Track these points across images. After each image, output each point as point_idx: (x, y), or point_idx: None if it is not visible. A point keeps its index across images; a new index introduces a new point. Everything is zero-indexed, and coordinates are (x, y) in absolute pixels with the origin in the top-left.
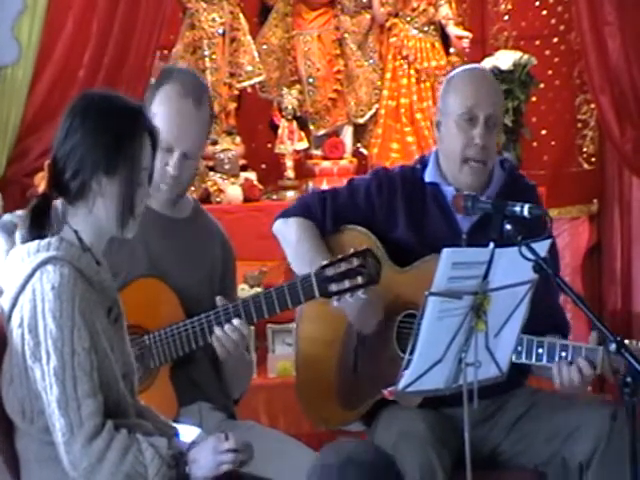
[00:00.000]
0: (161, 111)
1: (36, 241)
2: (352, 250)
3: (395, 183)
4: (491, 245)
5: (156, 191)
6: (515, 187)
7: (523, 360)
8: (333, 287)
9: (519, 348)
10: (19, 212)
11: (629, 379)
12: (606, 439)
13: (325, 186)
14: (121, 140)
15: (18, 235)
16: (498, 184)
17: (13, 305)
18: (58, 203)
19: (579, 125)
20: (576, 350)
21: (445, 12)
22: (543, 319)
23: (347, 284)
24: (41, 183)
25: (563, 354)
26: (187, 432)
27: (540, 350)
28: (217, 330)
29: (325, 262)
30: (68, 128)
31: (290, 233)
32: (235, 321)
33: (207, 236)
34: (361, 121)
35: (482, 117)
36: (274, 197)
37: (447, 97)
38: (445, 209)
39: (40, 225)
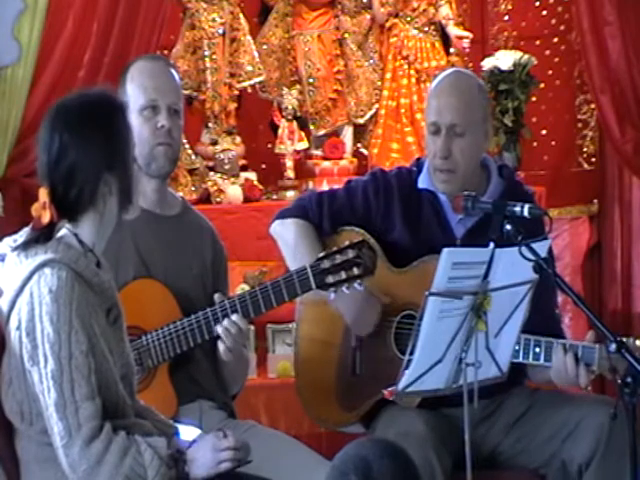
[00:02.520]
0: (136, 80)
1: (34, 243)
2: (347, 242)
3: (392, 186)
4: (491, 245)
5: (152, 161)
6: (514, 195)
7: (521, 359)
8: (330, 278)
9: (516, 347)
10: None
11: (629, 379)
12: (605, 440)
13: (325, 186)
14: (110, 133)
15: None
16: (497, 191)
17: (11, 307)
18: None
19: (579, 125)
20: (573, 348)
21: (445, 12)
22: (538, 329)
23: (343, 275)
24: (42, 214)
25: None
26: (187, 432)
27: (537, 349)
28: (217, 326)
29: (321, 254)
30: (58, 149)
31: (288, 234)
32: (234, 316)
33: (197, 234)
34: (361, 121)
35: (444, 128)
36: (274, 197)
37: (425, 107)
38: (440, 215)
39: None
